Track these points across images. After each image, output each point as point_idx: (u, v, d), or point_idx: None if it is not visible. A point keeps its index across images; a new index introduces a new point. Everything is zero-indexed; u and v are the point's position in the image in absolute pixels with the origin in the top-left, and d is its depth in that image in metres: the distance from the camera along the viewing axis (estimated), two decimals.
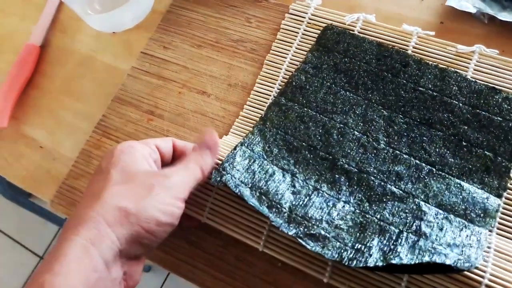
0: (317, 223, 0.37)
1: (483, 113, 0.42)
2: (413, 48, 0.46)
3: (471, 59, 0.44)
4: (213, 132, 0.40)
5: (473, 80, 0.43)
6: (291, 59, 0.48)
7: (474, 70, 0.44)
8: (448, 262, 0.33)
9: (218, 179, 0.39)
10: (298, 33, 0.49)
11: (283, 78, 0.47)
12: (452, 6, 0.48)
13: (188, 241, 0.42)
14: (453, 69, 0.44)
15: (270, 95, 0.47)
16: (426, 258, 0.34)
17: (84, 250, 0.31)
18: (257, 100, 0.47)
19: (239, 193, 0.38)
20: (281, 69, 0.48)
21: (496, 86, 0.43)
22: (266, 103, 0.46)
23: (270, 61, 0.48)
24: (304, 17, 0.49)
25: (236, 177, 0.39)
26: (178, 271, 0.42)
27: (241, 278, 0.41)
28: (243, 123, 0.46)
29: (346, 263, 0.35)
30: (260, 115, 0.45)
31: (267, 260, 0.41)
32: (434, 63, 0.44)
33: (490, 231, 0.38)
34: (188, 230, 0.42)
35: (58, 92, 0.55)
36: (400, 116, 0.43)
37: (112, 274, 0.32)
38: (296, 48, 0.48)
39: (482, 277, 0.35)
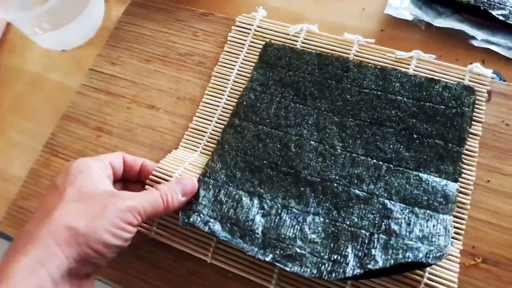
0: (292, 242, 0.38)
1: (427, 104, 0.43)
2: (354, 55, 0.47)
3: (409, 64, 0.46)
4: (195, 182, 0.41)
5: (412, 74, 0.45)
6: (238, 70, 0.49)
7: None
8: (421, 257, 0.35)
9: (186, 221, 0.39)
10: (244, 44, 0.50)
11: (231, 89, 0.48)
12: (390, 14, 0.50)
13: (138, 257, 0.42)
14: (394, 66, 0.46)
15: (219, 106, 0.47)
16: (400, 256, 0.35)
17: (31, 271, 0.30)
18: (206, 111, 0.48)
19: (209, 232, 0.39)
20: (229, 80, 0.48)
21: (435, 75, 0.44)
22: (215, 114, 0.47)
23: (218, 73, 0.49)
24: (250, 29, 0.50)
25: (204, 213, 0.40)
26: (128, 287, 0.42)
27: None
28: (191, 135, 0.47)
29: (326, 277, 0.36)
30: (217, 139, 0.45)
31: (218, 271, 0.41)
32: (373, 65, 0.46)
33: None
34: (136, 246, 0.42)
35: (7, 112, 0.54)
36: (351, 119, 0.44)
37: None
38: (243, 60, 0.49)
39: (422, 276, 0.37)
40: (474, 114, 0.43)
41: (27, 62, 0.57)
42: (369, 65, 0.46)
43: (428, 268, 0.36)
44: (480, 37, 0.48)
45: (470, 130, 0.42)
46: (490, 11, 0.48)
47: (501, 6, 0.48)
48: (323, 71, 0.47)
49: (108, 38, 0.54)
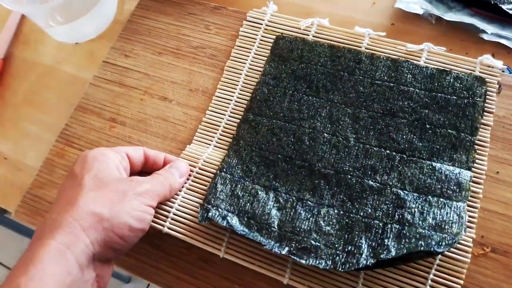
0: (307, 234, 0.39)
1: (439, 94, 0.44)
2: (365, 49, 0.48)
3: (420, 57, 0.46)
4: (186, 163, 0.44)
5: (424, 66, 0.45)
6: (250, 64, 0.49)
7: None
8: (433, 245, 0.35)
9: (205, 216, 0.40)
10: (256, 39, 0.51)
11: (243, 83, 0.49)
12: (401, 8, 0.51)
13: (151, 244, 0.43)
14: (404, 58, 0.46)
15: (231, 100, 0.48)
16: (413, 245, 0.36)
17: (59, 254, 0.32)
18: (219, 105, 0.48)
19: (227, 226, 0.40)
20: (241, 74, 0.49)
21: (447, 67, 0.45)
22: (228, 108, 0.48)
23: (230, 67, 0.50)
24: (261, 24, 0.51)
25: (222, 207, 0.41)
26: (142, 274, 0.43)
27: (204, 277, 0.42)
28: (205, 129, 0.47)
29: (340, 269, 0.37)
30: (232, 135, 0.46)
31: (229, 259, 0.41)
32: (385, 56, 0.46)
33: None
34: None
35: (22, 103, 0.55)
36: (364, 111, 0.44)
37: (85, 276, 0.33)
38: (255, 54, 0.50)
39: (430, 268, 0.38)
40: (485, 105, 0.43)
41: (41, 55, 0.58)
42: (381, 57, 0.47)
43: (438, 258, 0.37)
44: (490, 31, 0.48)
45: (482, 120, 0.43)
46: (500, 5, 0.48)
47: (511, 0, 0.48)
48: (335, 63, 0.47)
49: (122, 31, 0.55)
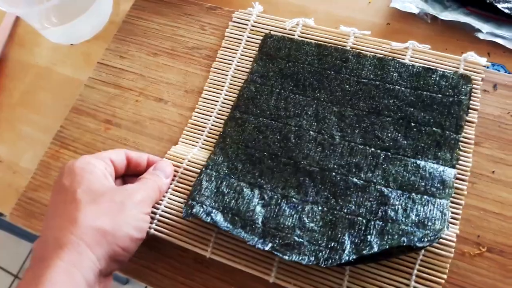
0: (290, 231, 0.39)
1: (425, 93, 0.44)
2: (350, 48, 0.48)
3: (405, 55, 0.46)
4: (170, 163, 0.44)
5: (410, 64, 0.46)
6: (236, 65, 0.50)
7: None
8: (416, 241, 0.36)
9: (189, 211, 0.40)
10: (242, 39, 0.51)
11: (229, 84, 0.49)
12: (397, 7, 0.50)
13: (148, 247, 0.43)
14: (390, 57, 0.46)
15: (218, 101, 0.48)
16: (395, 242, 0.36)
17: (68, 275, 0.31)
18: (206, 105, 0.48)
19: (211, 222, 0.40)
20: (227, 75, 0.49)
21: (432, 65, 0.45)
22: (215, 108, 0.48)
23: (217, 68, 0.50)
24: (247, 25, 0.51)
25: (207, 204, 0.41)
26: (139, 277, 0.43)
27: (200, 279, 0.42)
28: (191, 130, 0.47)
29: (323, 264, 0.37)
30: (219, 133, 0.46)
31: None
32: (372, 54, 0.47)
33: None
34: None
35: (17, 105, 0.55)
36: (349, 109, 0.45)
37: None
38: (241, 55, 0.50)
39: (414, 263, 0.38)
40: (470, 102, 0.43)
41: (36, 56, 0.58)
42: (368, 55, 0.47)
43: (421, 254, 0.38)
44: (485, 30, 0.48)
45: (467, 118, 0.43)
46: (496, 4, 0.48)
47: None
48: (322, 62, 0.47)
49: (117, 32, 0.55)
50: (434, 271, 0.37)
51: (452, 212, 0.39)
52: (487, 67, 0.45)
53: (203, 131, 0.47)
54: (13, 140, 0.53)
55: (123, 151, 0.42)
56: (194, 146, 0.46)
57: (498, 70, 0.46)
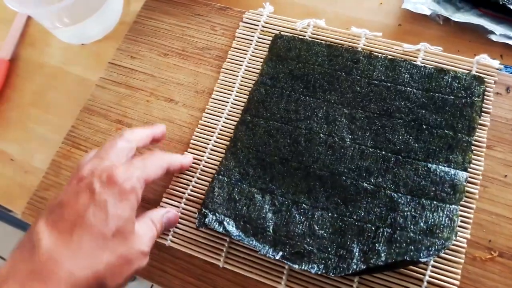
0: (300, 239, 0.39)
1: (437, 94, 0.43)
2: (362, 49, 0.48)
3: (417, 57, 0.46)
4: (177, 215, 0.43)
5: (422, 65, 0.45)
6: (247, 66, 0.49)
7: None
8: (423, 250, 0.36)
9: (202, 221, 0.41)
10: (252, 40, 0.51)
11: (239, 85, 0.49)
12: (408, 8, 0.50)
13: (158, 248, 0.43)
14: (401, 58, 0.46)
15: (228, 102, 0.48)
16: (403, 250, 0.36)
17: None
18: (216, 107, 0.48)
19: (224, 231, 0.40)
20: (237, 76, 0.49)
21: (444, 67, 0.45)
22: (225, 110, 0.48)
23: (227, 69, 0.50)
24: (258, 25, 0.51)
25: (219, 211, 0.41)
26: (149, 277, 0.43)
27: (209, 280, 0.42)
28: (203, 132, 0.47)
29: (331, 274, 0.37)
30: (230, 137, 0.46)
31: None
32: (383, 55, 0.46)
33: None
34: None
35: (28, 105, 0.55)
36: (360, 111, 0.44)
37: None
38: (251, 55, 0.50)
39: (425, 269, 0.38)
40: (483, 105, 0.43)
41: (47, 56, 0.58)
42: (379, 56, 0.46)
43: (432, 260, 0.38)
44: (498, 31, 0.48)
45: (479, 121, 0.42)
46: (509, 5, 0.48)
47: None
48: (332, 63, 0.47)
49: (127, 32, 0.55)
50: (446, 277, 0.37)
51: (464, 216, 0.39)
52: (500, 70, 0.45)
53: (214, 133, 0.47)
54: (25, 139, 0.53)
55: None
56: (206, 149, 0.46)
57: (511, 73, 0.46)
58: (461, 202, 0.39)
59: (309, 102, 0.45)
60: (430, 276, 0.38)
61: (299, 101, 0.46)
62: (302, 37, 0.49)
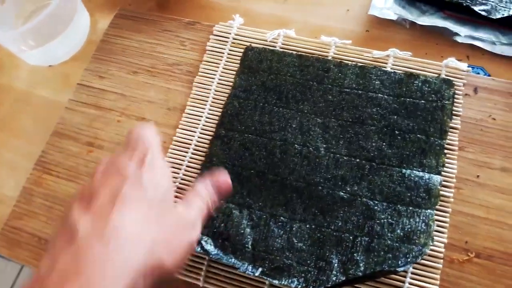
0: (279, 253, 0.39)
1: (408, 99, 0.44)
2: (332, 57, 0.48)
3: (387, 63, 0.47)
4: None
5: (392, 71, 0.45)
6: (219, 79, 0.49)
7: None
8: (401, 257, 0.37)
9: None
10: (223, 53, 0.50)
11: (213, 98, 0.48)
12: (375, 14, 0.51)
13: None
14: (372, 65, 0.46)
15: (202, 117, 0.48)
16: (381, 259, 0.37)
17: None
18: (189, 122, 0.48)
19: (202, 251, 0.40)
20: (210, 90, 0.49)
21: (414, 71, 0.45)
22: (198, 125, 0.47)
23: (199, 83, 0.49)
24: (228, 38, 0.51)
25: None
26: None
27: None
28: (177, 148, 0.47)
29: (311, 287, 0.37)
30: (205, 153, 0.45)
31: None
32: (353, 63, 0.47)
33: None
34: None
35: None
36: (333, 120, 0.44)
37: None
38: (224, 68, 0.50)
39: (405, 276, 0.38)
40: (453, 107, 0.44)
41: (14, 80, 0.57)
42: (349, 64, 0.47)
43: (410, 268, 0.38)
44: (463, 33, 0.49)
45: (450, 123, 0.43)
46: (472, 7, 0.48)
47: (483, 2, 0.49)
48: (304, 73, 0.47)
49: (95, 52, 0.54)
50: (425, 283, 0.38)
51: (440, 220, 0.40)
52: (478, 73, 0.45)
53: (189, 149, 0.46)
54: None
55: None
56: (181, 165, 0.46)
57: (478, 73, 0.47)
58: (437, 206, 0.40)
59: (283, 113, 0.45)
60: (410, 283, 0.38)
61: (273, 113, 0.46)
62: (273, 48, 0.49)
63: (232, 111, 0.46)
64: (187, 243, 0.32)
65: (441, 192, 0.40)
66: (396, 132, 0.43)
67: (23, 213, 0.47)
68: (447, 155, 0.42)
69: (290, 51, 0.48)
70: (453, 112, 0.43)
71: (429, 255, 0.38)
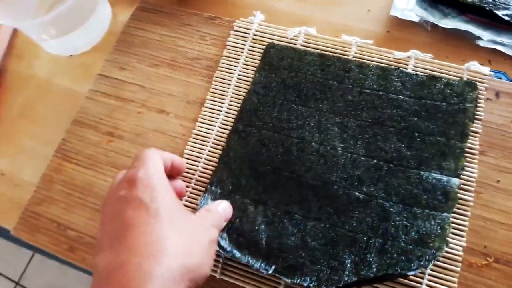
0: (293, 251, 0.39)
1: (429, 101, 0.44)
2: (353, 57, 0.48)
3: (408, 64, 0.47)
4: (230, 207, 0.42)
5: (414, 73, 0.45)
6: (239, 75, 0.49)
7: None
8: (414, 260, 0.37)
9: None
10: (243, 49, 0.51)
11: (232, 93, 0.49)
12: (396, 15, 0.51)
13: None
14: (393, 66, 0.46)
15: (221, 111, 0.48)
16: (394, 261, 0.37)
17: None
18: (209, 116, 0.48)
19: (217, 247, 0.39)
20: (230, 84, 0.49)
21: (436, 74, 0.45)
22: (217, 119, 0.47)
23: (219, 78, 0.50)
24: (249, 34, 0.51)
25: None
26: None
27: None
28: (196, 141, 0.47)
29: (323, 286, 0.37)
30: (222, 146, 0.46)
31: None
32: (375, 64, 0.47)
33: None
34: None
35: (17, 118, 0.55)
36: (352, 120, 0.44)
37: None
38: (244, 64, 0.50)
39: (422, 278, 0.38)
40: (475, 111, 0.43)
41: (35, 68, 0.58)
42: (371, 65, 0.47)
43: (429, 268, 0.38)
44: (486, 37, 0.48)
45: (471, 128, 0.43)
46: (495, 11, 0.48)
47: (506, 6, 0.49)
48: (325, 72, 0.47)
49: (116, 43, 0.54)
50: (443, 285, 0.38)
51: (459, 224, 0.40)
52: (500, 77, 0.45)
53: (208, 142, 0.47)
54: (15, 153, 0.52)
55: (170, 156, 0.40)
56: (200, 158, 0.46)
57: (500, 78, 0.47)
58: (457, 210, 0.40)
59: (301, 111, 0.46)
60: (427, 285, 0.38)
61: (291, 110, 0.46)
62: (295, 46, 0.49)
63: (250, 106, 0.47)
64: (208, 242, 0.34)
65: (461, 196, 0.40)
66: (416, 134, 0.42)
67: (42, 199, 0.47)
68: (468, 159, 0.42)
69: (312, 50, 0.49)
70: (475, 116, 0.43)
71: (448, 258, 0.39)
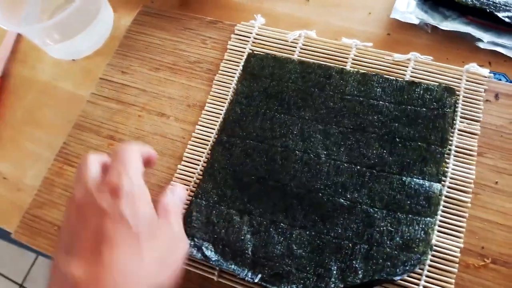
0: (279, 259, 0.39)
1: (409, 107, 0.44)
2: (352, 59, 0.48)
3: (407, 67, 0.46)
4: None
5: (394, 78, 0.45)
6: (239, 79, 0.50)
7: (411, 76, 0.46)
8: (399, 265, 0.37)
9: None
10: (244, 52, 0.51)
11: (231, 97, 0.49)
12: (397, 18, 0.51)
13: None
14: (373, 72, 0.46)
15: (221, 114, 0.48)
16: (379, 267, 0.37)
17: None
18: (209, 119, 0.48)
19: (202, 257, 0.40)
20: (230, 88, 0.49)
21: (415, 79, 0.45)
22: (217, 122, 0.48)
23: (219, 81, 0.50)
24: (249, 37, 0.51)
25: (198, 236, 0.41)
26: None
27: None
28: (196, 144, 0.47)
29: None
30: (207, 158, 0.46)
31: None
32: (355, 70, 0.47)
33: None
34: None
35: (20, 122, 0.55)
36: (334, 126, 0.44)
37: None
38: None
39: (419, 279, 0.38)
40: (473, 113, 0.44)
41: (38, 72, 0.58)
42: (351, 71, 0.47)
43: (426, 270, 0.38)
44: (486, 39, 0.48)
45: (469, 129, 0.43)
46: (496, 13, 0.48)
47: (507, 8, 0.48)
48: (306, 79, 0.47)
49: (118, 47, 0.55)
50: (440, 286, 0.38)
51: (456, 225, 0.40)
52: (499, 79, 0.45)
53: (207, 145, 0.47)
54: (17, 157, 0.53)
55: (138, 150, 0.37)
56: (199, 161, 0.46)
57: (500, 79, 0.46)
58: (454, 211, 0.40)
59: (284, 120, 0.46)
60: (424, 287, 0.38)
61: (274, 119, 0.46)
62: (275, 54, 0.49)
63: (234, 117, 0.47)
64: (181, 257, 0.35)
65: (459, 197, 0.40)
66: (397, 139, 0.42)
67: (43, 202, 0.48)
68: (466, 160, 0.42)
69: (292, 58, 0.49)
70: (473, 117, 0.43)
71: (445, 259, 0.38)
